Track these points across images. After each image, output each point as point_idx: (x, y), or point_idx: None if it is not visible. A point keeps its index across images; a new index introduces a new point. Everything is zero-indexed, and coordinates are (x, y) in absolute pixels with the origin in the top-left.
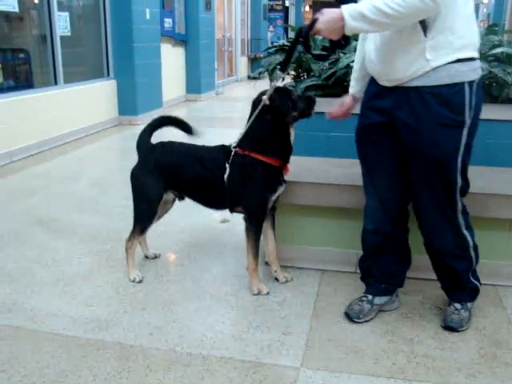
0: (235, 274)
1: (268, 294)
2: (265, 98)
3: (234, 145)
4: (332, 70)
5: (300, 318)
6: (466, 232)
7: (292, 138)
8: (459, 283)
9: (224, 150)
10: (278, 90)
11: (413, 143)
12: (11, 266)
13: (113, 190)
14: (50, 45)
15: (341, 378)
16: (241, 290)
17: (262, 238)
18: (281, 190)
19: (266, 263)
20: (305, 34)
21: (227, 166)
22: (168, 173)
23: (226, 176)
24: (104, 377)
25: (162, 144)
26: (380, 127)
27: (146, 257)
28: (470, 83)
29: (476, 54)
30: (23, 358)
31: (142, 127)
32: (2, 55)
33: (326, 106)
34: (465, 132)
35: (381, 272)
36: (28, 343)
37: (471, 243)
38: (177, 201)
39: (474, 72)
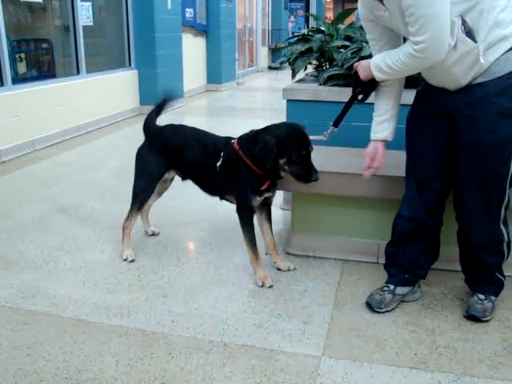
0: None
1: (271, 286)
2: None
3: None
4: (355, 60)
5: (321, 307)
6: (502, 227)
7: (282, 175)
8: (486, 276)
9: (226, 140)
10: (280, 143)
11: (470, 132)
12: (35, 253)
13: None
14: (72, 35)
15: (362, 368)
16: None
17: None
18: (268, 194)
19: (266, 254)
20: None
21: (222, 155)
22: (174, 152)
23: (218, 164)
24: (127, 362)
25: (171, 125)
26: (433, 116)
27: (145, 232)
28: None
29: None
30: (47, 343)
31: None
32: (26, 45)
33: (347, 95)
34: None
35: (407, 260)
36: (52, 328)
37: (506, 238)
38: (200, 191)
39: None
